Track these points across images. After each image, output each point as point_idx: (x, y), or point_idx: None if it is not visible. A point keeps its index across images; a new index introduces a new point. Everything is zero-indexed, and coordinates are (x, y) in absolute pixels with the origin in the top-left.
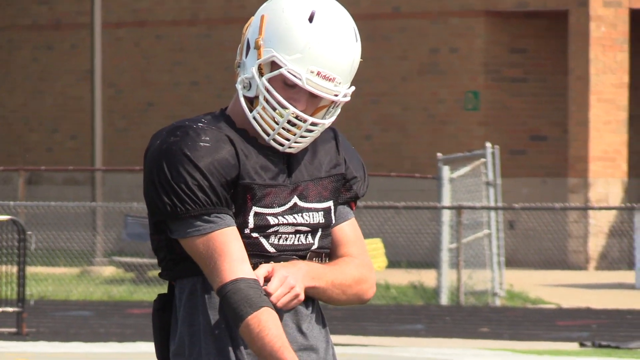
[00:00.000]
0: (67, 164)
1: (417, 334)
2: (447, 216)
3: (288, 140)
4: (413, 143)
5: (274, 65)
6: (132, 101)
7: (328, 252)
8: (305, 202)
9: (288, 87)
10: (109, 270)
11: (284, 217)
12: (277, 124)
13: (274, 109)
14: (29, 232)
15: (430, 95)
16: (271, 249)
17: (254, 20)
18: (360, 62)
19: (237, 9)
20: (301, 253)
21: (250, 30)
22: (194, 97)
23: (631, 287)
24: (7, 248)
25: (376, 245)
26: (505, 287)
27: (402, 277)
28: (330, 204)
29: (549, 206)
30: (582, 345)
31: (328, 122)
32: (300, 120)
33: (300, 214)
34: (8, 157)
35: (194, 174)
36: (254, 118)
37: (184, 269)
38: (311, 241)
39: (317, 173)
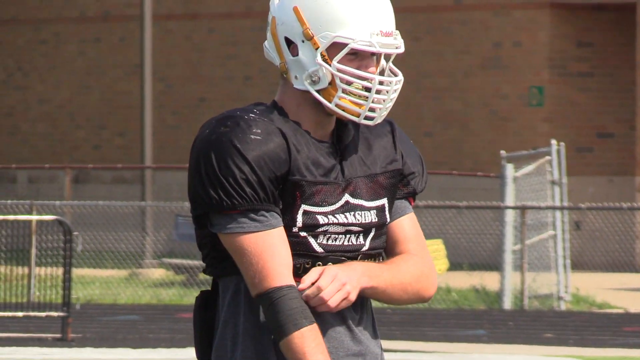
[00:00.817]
0: (115, 161)
1: (479, 339)
2: (510, 216)
3: (375, 111)
4: (475, 140)
5: (336, 46)
6: (183, 96)
7: (381, 253)
8: (358, 199)
9: (354, 61)
10: (158, 273)
11: (335, 217)
12: (366, 99)
13: (356, 86)
14: (76, 233)
15: (493, 90)
16: (319, 249)
17: (282, 17)
18: (421, 56)
19: None
20: (351, 255)
21: (283, 29)
22: (247, 93)
23: None
24: (53, 249)
25: (437, 247)
26: (571, 290)
27: (464, 280)
28: (384, 201)
29: (616, 206)
30: None
31: (401, 76)
32: (384, 85)
33: (352, 213)
34: (54, 155)
35: (243, 168)
36: (337, 105)
37: (228, 267)
38: (362, 242)
39: (373, 169)
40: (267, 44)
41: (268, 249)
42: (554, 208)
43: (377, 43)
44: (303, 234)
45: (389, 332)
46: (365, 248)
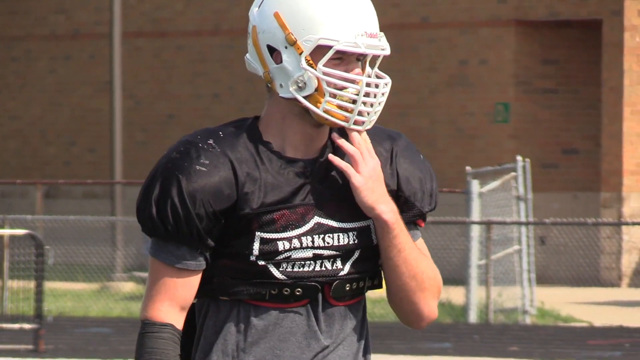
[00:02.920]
0: (85, 177)
1: (445, 352)
2: (476, 231)
3: (364, 115)
4: (441, 157)
5: (320, 50)
6: (152, 113)
7: (372, 275)
8: (332, 220)
9: (340, 65)
10: (129, 286)
11: (299, 240)
12: (354, 103)
13: (343, 89)
14: (47, 247)
15: (459, 108)
16: (281, 276)
17: (263, 25)
18: (388, 74)
19: None
20: (325, 280)
21: (264, 37)
22: (215, 110)
23: None
24: (25, 263)
25: None
26: (536, 304)
27: None
28: (369, 222)
29: (581, 221)
30: None
31: (389, 79)
32: (371, 87)
33: (321, 236)
34: (25, 171)
35: (178, 200)
36: (325, 111)
37: (200, 290)
38: (339, 266)
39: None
40: (249, 55)
41: (165, 283)
42: (519, 223)
43: (363, 44)
44: (261, 262)
45: None
46: (343, 273)
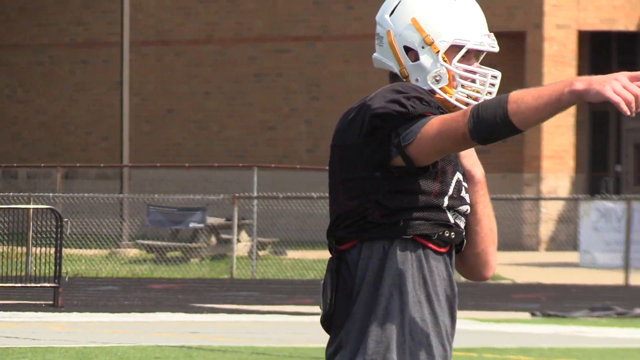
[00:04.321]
0: (99, 161)
1: None
2: None
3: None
4: None
5: (452, 49)
6: (155, 108)
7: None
8: (464, 181)
9: (465, 61)
10: (133, 252)
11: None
12: (480, 92)
13: (474, 81)
14: (65, 220)
15: None
16: (452, 219)
17: (399, 29)
18: (351, 76)
19: (246, 31)
20: (462, 232)
21: (400, 39)
22: (207, 105)
23: (575, 265)
24: (47, 233)
25: None
26: None
27: None
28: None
29: (507, 197)
30: (533, 314)
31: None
32: (495, 78)
33: (466, 194)
34: (48, 156)
35: (428, 93)
36: (457, 100)
37: (375, 233)
38: (463, 222)
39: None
40: (380, 55)
41: (446, 116)
42: None
43: (487, 43)
44: (449, 202)
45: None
46: (462, 228)
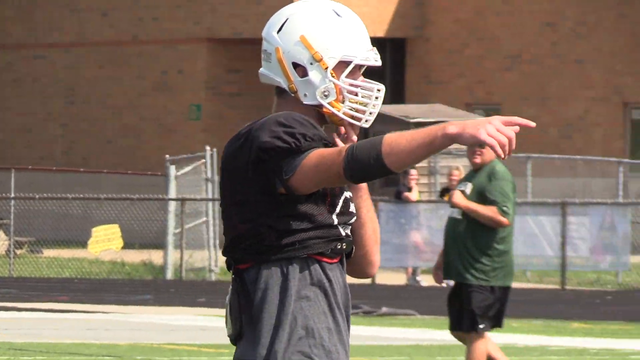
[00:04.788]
0: None
1: (146, 303)
2: (172, 206)
3: (371, 114)
4: (147, 147)
5: (340, 65)
6: None
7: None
8: (348, 193)
9: (353, 74)
10: None
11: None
12: (366, 106)
13: (358, 95)
14: None
15: (161, 108)
16: (343, 233)
17: (287, 46)
18: (105, 80)
19: (6, 37)
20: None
21: (289, 56)
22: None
23: None
24: None
25: (114, 230)
26: (219, 264)
27: (135, 256)
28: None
29: None
30: None
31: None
32: (379, 91)
33: (350, 206)
34: None
35: (312, 125)
36: (344, 113)
37: (274, 254)
38: (348, 231)
39: None
40: (268, 70)
41: (325, 151)
42: (207, 200)
43: (372, 58)
44: (338, 219)
45: (76, 297)
46: (349, 235)
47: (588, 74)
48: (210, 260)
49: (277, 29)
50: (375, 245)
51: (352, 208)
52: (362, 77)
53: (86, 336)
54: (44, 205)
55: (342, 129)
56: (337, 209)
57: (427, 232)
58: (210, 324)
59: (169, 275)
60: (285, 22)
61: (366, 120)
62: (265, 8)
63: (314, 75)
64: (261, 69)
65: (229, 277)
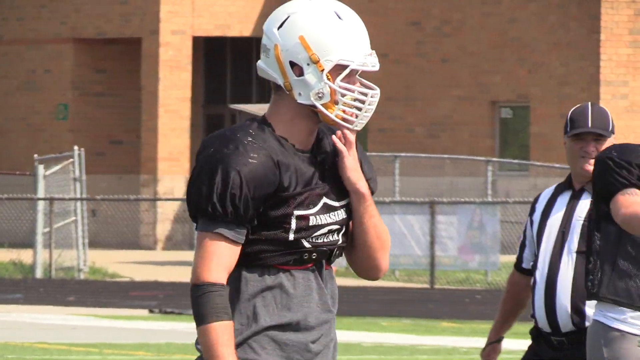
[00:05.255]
0: None
1: (17, 302)
2: (41, 206)
3: (364, 118)
4: (13, 147)
5: (336, 68)
6: None
7: (345, 246)
8: (333, 201)
9: (349, 78)
10: None
11: (318, 217)
12: (359, 110)
13: (355, 100)
14: None
15: (28, 108)
16: (308, 245)
17: (286, 45)
18: None
19: None
20: (330, 248)
21: (287, 54)
22: None
23: (190, 264)
24: None
25: None
26: (89, 264)
27: (5, 256)
28: (349, 200)
29: (125, 197)
30: (151, 311)
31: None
32: (374, 97)
33: (329, 214)
34: None
35: (238, 187)
36: (336, 116)
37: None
38: (337, 238)
39: (338, 173)
40: (266, 65)
41: (217, 252)
42: (75, 199)
43: (369, 63)
44: (297, 235)
45: None
46: (340, 242)
47: (454, 73)
48: (80, 259)
49: (278, 25)
50: (380, 251)
51: (323, 220)
52: (358, 80)
53: None
54: None
55: (339, 133)
56: (291, 231)
57: None
58: (80, 323)
59: (39, 274)
60: (286, 19)
61: (358, 124)
62: (130, 8)
63: (309, 76)
64: (259, 62)
65: (97, 276)
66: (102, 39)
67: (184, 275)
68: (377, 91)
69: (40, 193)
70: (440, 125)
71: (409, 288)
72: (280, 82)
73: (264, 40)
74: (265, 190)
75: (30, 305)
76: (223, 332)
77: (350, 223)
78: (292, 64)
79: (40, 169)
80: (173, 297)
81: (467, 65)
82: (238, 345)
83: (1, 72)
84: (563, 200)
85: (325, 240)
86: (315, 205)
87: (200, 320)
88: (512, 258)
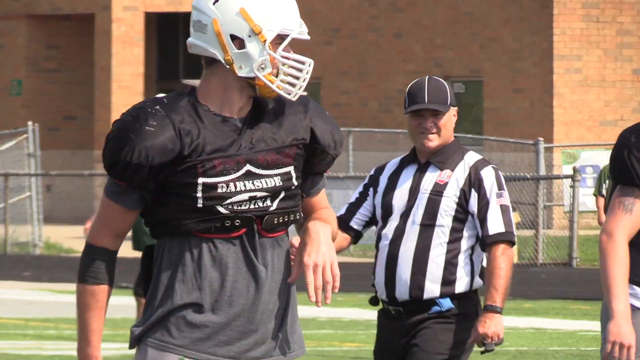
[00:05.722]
0: None
1: None
2: None
3: (301, 87)
4: None
5: (277, 38)
6: None
7: (294, 211)
8: (261, 169)
9: (286, 48)
10: None
11: (235, 184)
12: (297, 79)
13: (294, 69)
14: None
15: None
16: (224, 211)
17: (226, 18)
18: None
19: None
20: (259, 213)
21: (227, 28)
22: None
23: None
24: None
25: None
26: (44, 239)
27: None
28: (290, 169)
29: (79, 173)
30: None
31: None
32: (310, 66)
33: (252, 181)
34: None
35: (131, 154)
36: (277, 86)
37: (157, 232)
38: (269, 204)
39: (280, 142)
40: (202, 41)
41: (106, 216)
42: (30, 175)
43: (304, 31)
44: (208, 202)
45: None
46: (272, 208)
47: (407, 48)
48: (35, 234)
49: (214, 0)
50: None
51: (241, 187)
52: (291, 51)
53: None
54: None
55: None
56: (199, 194)
57: None
58: (36, 298)
59: None
60: None
61: (295, 94)
62: None
63: (251, 47)
64: (191, 39)
65: (52, 251)
66: (56, 15)
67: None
68: (312, 61)
69: None
70: (394, 99)
71: (363, 263)
72: (219, 57)
73: (197, 17)
74: (162, 157)
75: None
76: (83, 294)
77: (291, 189)
78: (233, 37)
79: None
80: (127, 272)
81: (420, 40)
82: (154, 324)
83: None
84: (409, 173)
85: (250, 206)
86: (232, 172)
87: (77, 278)
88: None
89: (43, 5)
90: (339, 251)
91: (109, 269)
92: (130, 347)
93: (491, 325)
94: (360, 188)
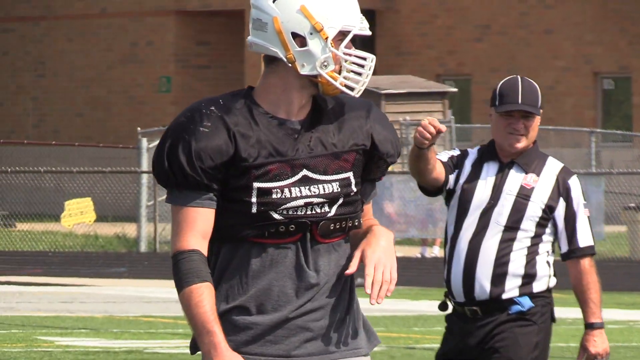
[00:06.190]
0: None
1: (121, 275)
2: (145, 179)
3: (364, 84)
4: (117, 120)
5: (339, 34)
6: None
7: (354, 217)
8: (319, 174)
9: (348, 44)
10: None
11: (290, 190)
12: (360, 75)
13: (358, 65)
14: None
15: (130, 80)
16: (279, 217)
17: (287, 16)
18: (74, 54)
19: None
20: (315, 219)
21: (289, 26)
22: None
23: None
24: None
25: (87, 204)
26: None
27: (109, 229)
28: (349, 174)
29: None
30: None
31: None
32: (372, 61)
33: (308, 187)
34: None
35: (186, 155)
36: (340, 83)
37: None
38: (327, 210)
39: (339, 147)
40: (262, 40)
41: (186, 220)
42: None
43: (366, 27)
44: (262, 208)
45: (50, 271)
46: (330, 214)
47: (557, 44)
48: None
49: None
50: None
51: (296, 193)
52: (353, 47)
53: (61, 309)
54: (16, 179)
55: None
56: (254, 199)
57: (400, 203)
58: None
59: (143, 247)
60: None
61: (359, 90)
62: None
63: (314, 45)
64: (251, 38)
65: None
66: (205, 11)
67: None
68: (374, 57)
69: (144, 166)
70: (543, 96)
71: None
72: (281, 55)
73: (256, 15)
74: (217, 159)
75: (135, 279)
76: (190, 296)
77: (350, 195)
78: (294, 35)
79: (144, 142)
80: None
81: (570, 36)
82: None
83: (104, 45)
84: (491, 169)
85: (306, 212)
86: (287, 177)
87: (177, 290)
88: (617, 228)
89: (192, 2)
90: (436, 178)
91: (206, 269)
92: (192, 353)
93: (600, 343)
94: (445, 158)
